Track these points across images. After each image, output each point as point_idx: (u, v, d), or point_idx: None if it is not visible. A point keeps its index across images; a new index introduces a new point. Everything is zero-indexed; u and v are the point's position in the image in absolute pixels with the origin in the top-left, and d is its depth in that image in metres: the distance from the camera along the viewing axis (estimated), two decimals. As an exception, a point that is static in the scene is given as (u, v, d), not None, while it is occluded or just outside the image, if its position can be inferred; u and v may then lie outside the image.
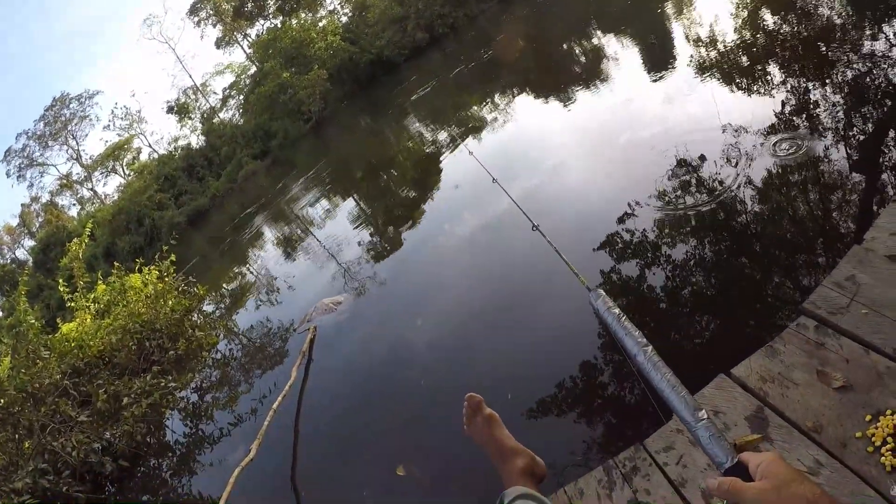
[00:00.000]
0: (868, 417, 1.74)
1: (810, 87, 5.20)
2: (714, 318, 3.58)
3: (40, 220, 57.08)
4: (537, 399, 3.78)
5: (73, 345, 8.35)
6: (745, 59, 6.77)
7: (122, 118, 55.76)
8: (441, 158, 12.34)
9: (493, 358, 4.59)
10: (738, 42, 7.52)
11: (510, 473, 2.17)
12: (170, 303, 9.22)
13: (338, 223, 12.89)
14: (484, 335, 5.00)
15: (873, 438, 1.67)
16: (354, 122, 30.85)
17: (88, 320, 9.58)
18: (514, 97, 13.31)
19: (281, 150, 39.95)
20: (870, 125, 4.29)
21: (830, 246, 3.46)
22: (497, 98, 14.43)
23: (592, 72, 11.04)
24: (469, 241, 6.96)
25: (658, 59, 9.12)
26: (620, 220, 5.05)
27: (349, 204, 14.56)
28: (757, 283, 3.56)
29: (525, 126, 10.80)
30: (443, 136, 14.51)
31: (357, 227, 11.56)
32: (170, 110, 53.74)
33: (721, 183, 4.67)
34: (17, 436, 6.40)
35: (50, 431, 6.29)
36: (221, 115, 52.77)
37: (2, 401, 6.69)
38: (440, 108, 18.76)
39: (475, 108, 14.75)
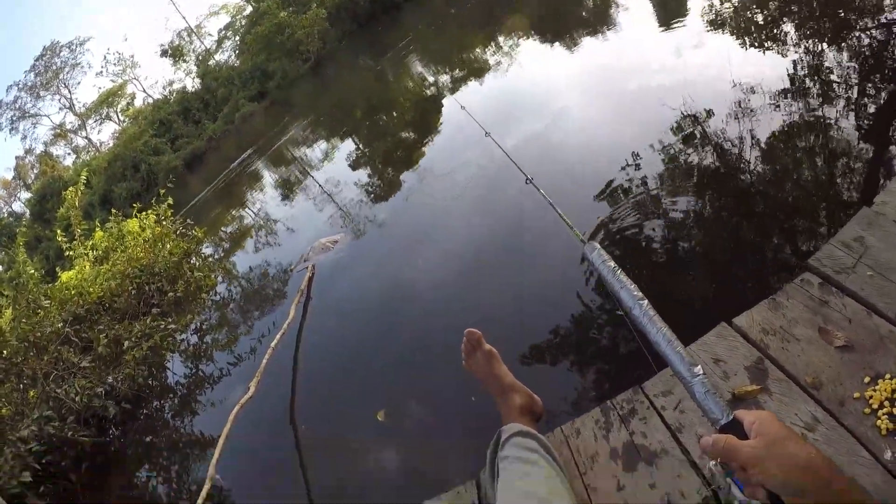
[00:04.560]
0: (867, 379, 1.71)
1: (826, 49, 5.04)
2: (715, 268, 3.53)
3: (35, 171, 56.80)
4: (532, 343, 3.76)
5: (72, 292, 8.33)
6: (760, 15, 6.55)
7: (114, 64, 55.21)
8: (441, 101, 12.14)
9: (487, 303, 4.55)
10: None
11: (508, 410, 2.18)
12: (168, 246, 9.18)
13: (335, 165, 12.82)
14: (479, 281, 4.95)
15: (871, 401, 1.65)
16: (354, 61, 30.40)
17: (87, 267, 9.56)
18: (517, 41, 13.01)
19: (279, 91, 39.48)
20: (884, 93, 4.17)
21: (838, 206, 3.36)
22: (500, 41, 14.13)
23: (601, 17, 10.75)
24: (467, 187, 6.84)
25: (671, 8, 8.85)
26: (622, 170, 4.94)
27: (348, 145, 14.38)
28: (761, 236, 3.49)
29: (526, 71, 10.54)
30: (444, 78, 14.32)
31: (355, 169, 11.47)
32: (164, 54, 53.02)
33: (727, 139, 4.56)
34: (21, 385, 6.44)
35: (53, 379, 6.32)
36: (217, 56, 52.14)
37: (5, 352, 6.72)
38: (441, 49, 18.42)
39: (477, 50, 14.49)
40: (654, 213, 4.24)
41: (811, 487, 0.93)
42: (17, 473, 4.94)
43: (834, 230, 2.47)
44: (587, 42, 9.51)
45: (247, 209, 16.20)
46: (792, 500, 0.96)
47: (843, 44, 4.90)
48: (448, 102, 11.57)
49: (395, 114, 14.16)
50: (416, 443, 3.80)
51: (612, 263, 1.52)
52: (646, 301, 1.37)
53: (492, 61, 12.46)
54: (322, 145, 16.59)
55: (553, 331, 3.79)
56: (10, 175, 60.53)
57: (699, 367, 1.21)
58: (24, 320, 7.31)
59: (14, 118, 53.31)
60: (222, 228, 15.20)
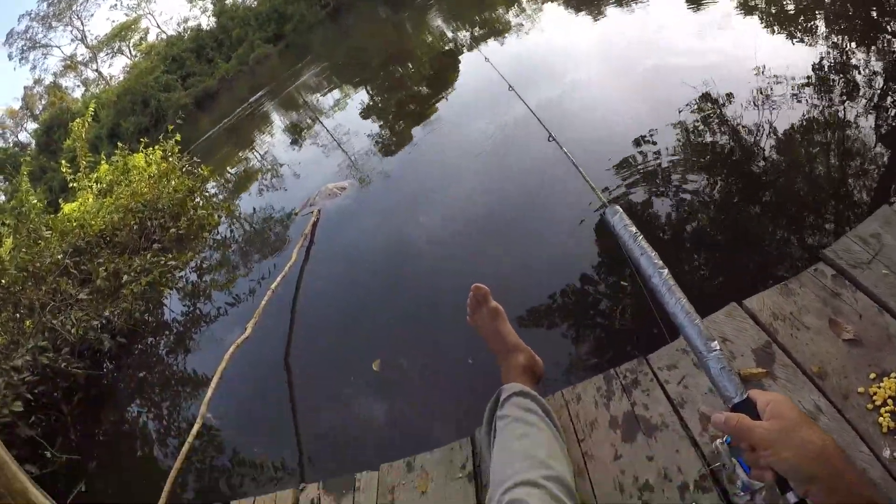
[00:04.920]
0: (873, 376, 1.69)
1: (855, 46, 4.89)
2: (729, 248, 3.46)
3: (43, 102, 56.58)
4: (539, 304, 3.71)
5: (74, 224, 8.33)
6: (791, 4, 6.36)
7: (130, -4, 54.60)
8: (459, 57, 11.96)
9: (496, 262, 4.48)
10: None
11: (509, 369, 2.16)
12: (173, 183, 9.15)
13: (347, 113, 12.67)
14: (489, 240, 4.85)
15: (874, 397, 1.63)
16: (373, 12, 29.96)
17: (90, 200, 9.56)
18: (541, 4, 12.76)
19: (295, 35, 39.13)
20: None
21: (858, 201, 3.30)
22: (524, 2, 13.87)
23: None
24: (480, 144, 6.70)
25: None
26: (637, 143, 4.83)
27: (361, 95, 14.20)
28: (778, 223, 3.43)
29: (548, 35, 10.27)
30: (463, 34, 14.12)
31: (367, 119, 11.35)
32: (180, -11, 52.51)
33: (752, 124, 4.43)
34: (17, 315, 6.44)
35: (50, 310, 6.33)
36: (235, -5, 51.61)
37: (3, 280, 6.71)
38: (464, 3, 18.17)
39: (500, 8, 14.24)
40: (672, 188, 4.16)
41: (823, 475, 0.91)
42: (8, 402, 4.95)
43: (852, 225, 2.44)
44: (612, 12, 9.30)
45: (254, 151, 16.12)
46: (801, 486, 0.94)
47: (873, 43, 4.79)
48: (467, 58, 11.40)
49: (412, 67, 13.98)
50: (412, 398, 3.78)
51: (634, 229, 1.51)
52: (666, 270, 1.36)
53: (514, 23, 12.23)
54: (335, 93, 16.40)
55: (561, 293, 3.73)
56: (17, 105, 60.36)
57: (716, 342, 1.19)
58: (24, 250, 7.33)
59: (25, 48, 53.10)
60: (228, 169, 15.12)
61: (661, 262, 1.37)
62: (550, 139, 2.36)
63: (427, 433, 3.37)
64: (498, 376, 2.22)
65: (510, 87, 3.29)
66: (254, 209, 9.50)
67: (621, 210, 1.57)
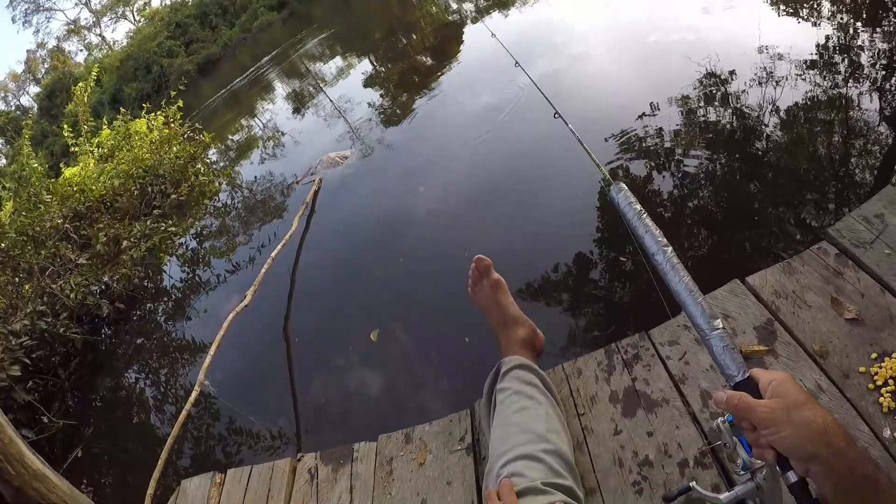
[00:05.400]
0: (874, 355, 1.69)
1: (861, 26, 4.83)
2: (732, 226, 3.45)
3: (46, 66, 56.41)
4: (541, 278, 3.70)
5: (75, 189, 8.30)
6: None
7: (134, -39, 54.25)
8: (463, 29, 11.87)
9: (499, 236, 4.47)
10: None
11: (510, 342, 2.13)
12: (174, 149, 9.11)
13: (350, 82, 12.60)
14: (491, 214, 4.83)
15: (875, 377, 1.63)
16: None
17: (91, 165, 9.52)
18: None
19: (300, 3, 38.87)
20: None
21: (862, 181, 3.28)
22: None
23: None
24: (484, 117, 6.66)
25: None
26: (640, 118, 4.79)
27: (364, 64, 14.14)
28: (782, 201, 3.40)
29: (553, 6, 10.23)
30: (468, 5, 14.01)
31: (369, 88, 11.27)
32: (185, -46, 52.10)
33: (756, 102, 4.39)
34: (16, 279, 6.43)
35: (49, 274, 6.31)
36: (240, -39, 51.21)
37: (3, 244, 6.69)
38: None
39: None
40: (676, 163, 4.14)
41: (823, 455, 0.90)
42: (6, 366, 4.95)
43: (856, 205, 2.43)
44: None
45: (256, 119, 16.06)
46: (802, 465, 0.94)
47: (879, 23, 4.73)
48: (471, 30, 11.33)
49: (416, 37, 13.87)
50: (411, 369, 3.77)
51: (639, 206, 1.50)
52: (670, 248, 1.34)
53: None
54: (338, 61, 16.34)
55: (564, 268, 3.72)
56: (20, 68, 60.16)
57: (719, 320, 1.18)
58: (24, 214, 7.29)
59: (28, 11, 53.02)
60: (230, 136, 15.07)
61: (664, 240, 1.35)
62: (556, 116, 2.32)
63: (426, 404, 3.37)
64: (497, 349, 2.20)
65: (516, 63, 3.25)
66: (255, 177, 9.48)
67: (626, 187, 1.55)
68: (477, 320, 2.37)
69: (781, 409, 0.95)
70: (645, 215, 1.45)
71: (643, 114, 4.84)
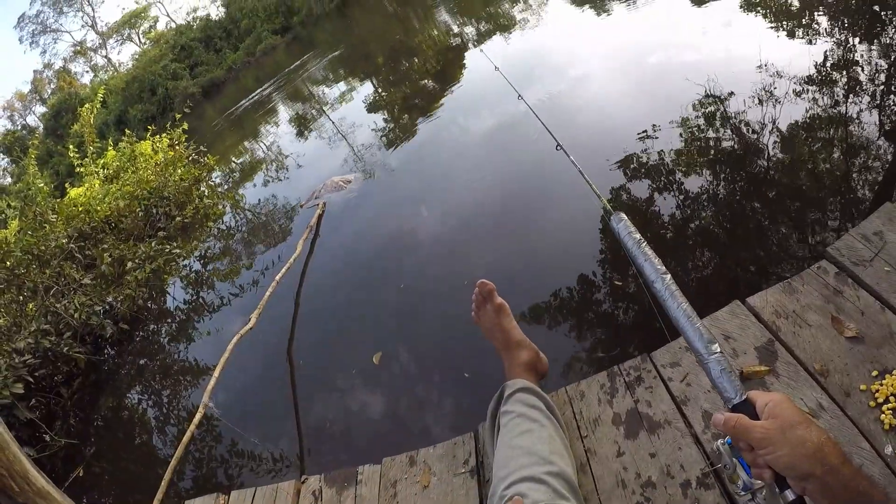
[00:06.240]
0: (874, 373, 1.71)
1: (857, 43, 4.88)
2: (732, 247, 3.47)
3: (52, 86, 56.81)
4: (543, 302, 3.72)
5: (80, 209, 8.36)
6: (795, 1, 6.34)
7: (140, -16, 54.81)
8: (465, 54, 11.96)
9: (501, 258, 4.48)
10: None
11: (513, 365, 2.16)
12: (179, 171, 9.18)
13: (352, 106, 12.66)
14: (494, 239, 4.84)
15: (876, 394, 1.65)
16: (380, 4, 30.04)
17: (97, 185, 9.58)
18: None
19: (302, 28, 39.19)
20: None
21: (860, 199, 3.31)
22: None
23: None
24: (484, 144, 6.74)
25: None
26: (640, 140, 4.84)
27: (367, 88, 14.21)
28: (781, 221, 3.43)
29: (553, 30, 10.29)
30: (469, 29, 14.12)
31: (372, 113, 11.32)
32: (191, -22, 52.62)
33: (748, 121, 4.45)
34: (21, 297, 6.46)
35: (54, 293, 6.35)
36: (244, -13, 51.66)
37: (8, 262, 6.73)
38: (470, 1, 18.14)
39: (506, 5, 14.21)
40: (675, 184, 4.17)
41: (818, 472, 0.92)
42: (9, 384, 4.96)
43: (855, 222, 2.45)
44: (617, 8, 9.27)
45: (259, 142, 16.12)
46: (798, 484, 0.96)
47: (876, 39, 4.79)
48: (473, 55, 11.39)
49: (418, 61, 13.94)
50: (416, 392, 3.77)
51: (638, 236, 1.55)
52: (668, 275, 1.38)
53: (519, 18, 12.24)
54: (341, 85, 16.42)
55: (566, 292, 3.74)
56: (26, 88, 60.54)
57: (716, 344, 1.21)
58: (29, 232, 7.33)
59: (35, 32, 53.68)
60: (234, 159, 15.13)
61: (663, 268, 1.40)
62: (558, 148, 2.37)
63: (429, 427, 3.38)
64: (501, 372, 2.22)
65: (519, 96, 3.30)
66: (259, 200, 9.51)
67: (626, 218, 1.59)
68: (480, 344, 2.39)
69: (777, 429, 0.98)
70: (644, 244, 1.49)
71: (644, 134, 4.88)
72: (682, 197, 4.03)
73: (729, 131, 4.50)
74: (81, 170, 10.33)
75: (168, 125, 10.58)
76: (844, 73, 4.49)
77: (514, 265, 4.34)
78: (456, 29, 15.35)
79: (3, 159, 49.43)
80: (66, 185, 11.09)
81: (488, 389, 2.11)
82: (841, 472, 0.91)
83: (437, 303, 4.42)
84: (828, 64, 4.64)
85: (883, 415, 1.60)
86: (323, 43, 28.57)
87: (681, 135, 4.67)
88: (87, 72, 56.81)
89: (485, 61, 4.91)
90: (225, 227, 8.97)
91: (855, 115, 3.93)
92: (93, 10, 54.04)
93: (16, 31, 54.14)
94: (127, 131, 11.20)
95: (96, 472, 4.83)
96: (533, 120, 2.91)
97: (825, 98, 4.29)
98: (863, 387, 1.69)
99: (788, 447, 0.95)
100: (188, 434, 3.82)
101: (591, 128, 5.70)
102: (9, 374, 5.06)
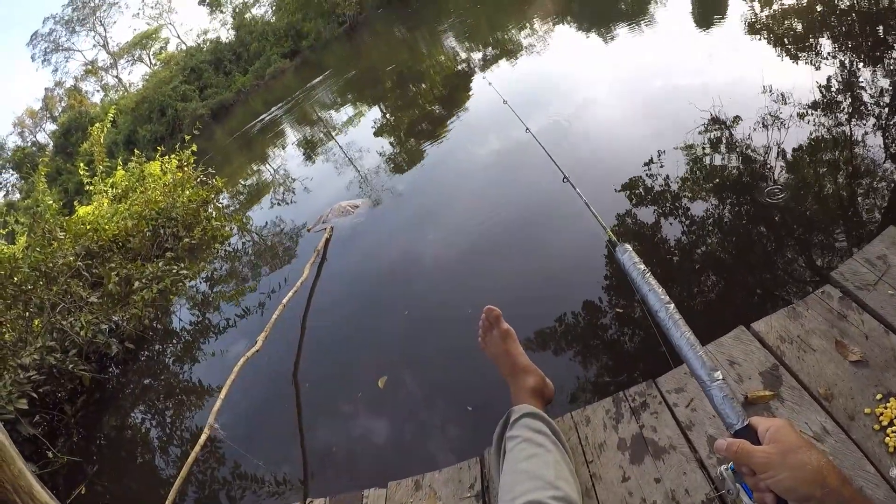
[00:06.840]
0: (879, 396, 1.72)
1: (861, 66, 4.92)
2: (737, 272, 3.48)
3: (63, 105, 57.37)
4: (548, 328, 3.73)
5: (88, 227, 8.41)
6: (799, 25, 6.40)
7: (152, 7, 55.89)
8: (471, 79, 12.04)
9: (507, 285, 4.49)
10: (795, 5, 7.06)
11: (519, 390, 2.17)
12: (187, 192, 9.24)
13: (359, 130, 12.77)
14: (499, 266, 4.86)
15: (881, 418, 1.66)
16: (389, 30, 30.21)
17: (105, 204, 9.64)
18: (553, 26, 12.83)
19: (311, 52, 39.52)
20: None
21: (864, 222, 3.33)
22: (536, 24, 13.98)
23: (639, 9, 10.60)
24: (490, 170, 6.79)
25: (708, 8, 8.68)
26: (646, 165, 4.87)
27: (374, 112, 14.29)
28: (784, 246, 3.45)
29: (558, 56, 10.45)
30: (477, 56, 14.21)
31: (380, 137, 11.40)
32: (201, 2, 52.94)
33: (753, 146, 4.48)
34: (27, 313, 6.48)
35: (60, 311, 6.37)
36: (254, 10, 52.09)
37: (15, 278, 6.76)
38: (478, 26, 18.26)
39: (512, 30, 14.34)
40: (680, 210, 4.19)
41: (819, 495, 0.94)
42: (13, 399, 4.97)
43: (858, 246, 2.45)
44: (621, 33, 9.37)
45: (267, 165, 16.20)
46: None
47: (879, 62, 4.82)
48: (479, 81, 11.45)
49: (425, 86, 14.04)
50: (421, 416, 3.77)
51: (643, 266, 1.58)
52: (672, 305, 1.41)
53: (525, 44, 12.36)
54: (348, 109, 16.53)
55: (571, 318, 3.75)
56: (37, 105, 61.05)
57: (719, 372, 1.24)
58: (37, 249, 7.36)
59: (48, 50, 54.35)
60: (241, 181, 15.18)
61: (667, 298, 1.43)
62: (565, 181, 2.41)
63: (435, 452, 3.38)
64: (507, 397, 2.24)
65: (527, 129, 3.35)
66: (266, 223, 9.54)
67: (630, 249, 1.62)
68: (485, 369, 2.40)
69: (777, 453, 1.00)
70: (648, 274, 1.52)
71: (649, 159, 4.91)
72: (687, 222, 4.05)
73: (734, 156, 4.53)
74: (91, 188, 10.41)
75: (177, 146, 10.66)
76: (848, 95, 4.52)
77: (520, 291, 4.34)
78: (463, 54, 15.45)
79: (12, 175, 49.87)
80: (75, 202, 11.15)
81: (493, 414, 2.12)
82: (840, 494, 0.93)
83: (443, 328, 4.42)
84: (832, 87, 4.68)
85: (887, 438, 1.61)
86: (331, 67, 28.74)
87: (686, 160, 4.70)
88: (98, 91, 57.60)
89: (492, 90, 4.96)
90: (232, 249, 9.00)
91: (860, 138, 3.96)
92: (105, 30, 54.83)
93: (28, 48, 54.72)
94: (136, 151, 11.30)
95: (99, 490, 4.82)
96: (539, 149, 2.94)
97: (829, 121, 4.32)
98: (867, 410, 1.70)
99: (789, 471, 0.97)
100: (192, 455, 3.82)
101: (597, 153, 5.74)
102: (13, 389, 5.08)
